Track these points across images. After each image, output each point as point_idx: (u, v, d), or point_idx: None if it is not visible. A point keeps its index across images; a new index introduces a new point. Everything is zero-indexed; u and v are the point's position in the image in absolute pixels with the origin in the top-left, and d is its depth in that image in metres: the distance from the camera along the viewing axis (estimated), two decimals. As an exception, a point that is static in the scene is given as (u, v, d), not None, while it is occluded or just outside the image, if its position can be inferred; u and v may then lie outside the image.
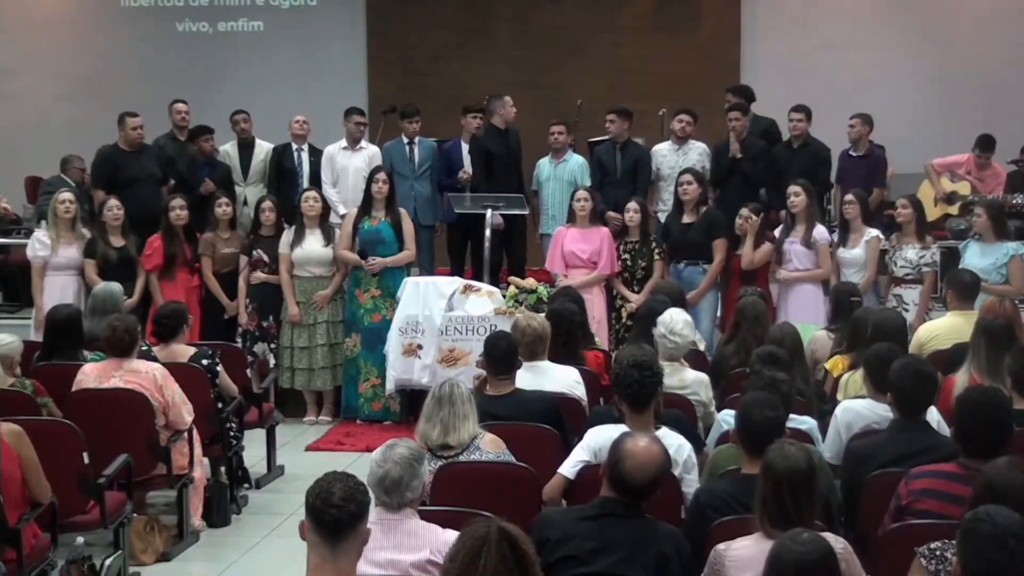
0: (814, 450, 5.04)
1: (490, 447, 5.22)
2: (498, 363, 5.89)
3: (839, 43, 13.59)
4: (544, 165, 10.58)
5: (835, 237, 9.29)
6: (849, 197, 9.27)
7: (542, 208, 10.55)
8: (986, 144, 11.34)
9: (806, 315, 8.74)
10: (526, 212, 10.27)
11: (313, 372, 9.43)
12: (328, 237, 9.43)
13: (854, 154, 10.60)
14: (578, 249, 9.28)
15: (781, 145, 10.54)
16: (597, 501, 4.23)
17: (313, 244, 9.39)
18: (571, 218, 9.45)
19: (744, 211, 9.30)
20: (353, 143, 10.54)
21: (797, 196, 9.17)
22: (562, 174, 10.45)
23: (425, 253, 10.54)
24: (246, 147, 11.03)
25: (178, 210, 9.41)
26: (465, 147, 10.64)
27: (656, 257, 9.37)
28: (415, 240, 9.55)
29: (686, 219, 9.48)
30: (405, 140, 10.66)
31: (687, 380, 6.45)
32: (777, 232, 9.30)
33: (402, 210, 9.53)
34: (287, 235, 9.44)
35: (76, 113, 14.16)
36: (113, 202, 9.44)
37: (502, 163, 10.41)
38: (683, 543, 4.17)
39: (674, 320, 6.57)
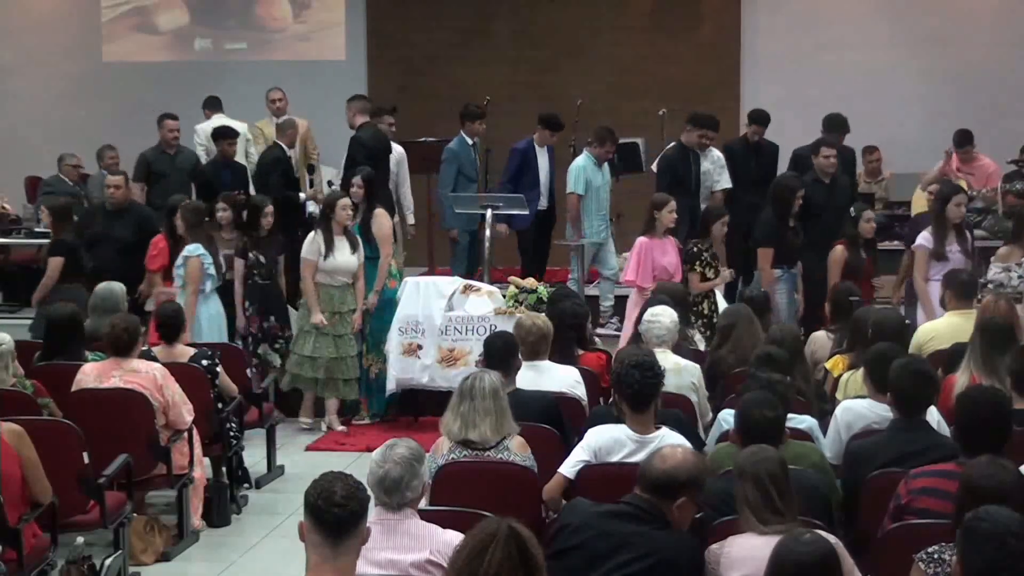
0: (802, 446, 5.09)
1: (517, 451, 5.21)
2: (495, 361, 5.88)
3: (839, 43, 13.57)
4: (590, 169, 10.39)
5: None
6: None
7: (593, 212, 10.28)
8: (962, 140, 11.25)
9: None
10: (526, 212, 10.18)
11: (338, 382, 9.06)
12: (353, 244, 8.99)
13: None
14: (668, 264, 8.83)
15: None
16: (625, 497, 4.21)
17: (344, 252, 8.92)
18: (649, 228, 8.90)
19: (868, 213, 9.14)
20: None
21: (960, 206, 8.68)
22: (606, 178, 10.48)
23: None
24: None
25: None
26: (538, 149, 10.51)
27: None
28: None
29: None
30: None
31: (680, 364, 6.46)
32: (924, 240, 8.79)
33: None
34: (314, 241, 8.97)
35: (76, 113, 14.16)
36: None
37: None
38: (699, 557, 4.14)
39: (656, 309, 6.67)
